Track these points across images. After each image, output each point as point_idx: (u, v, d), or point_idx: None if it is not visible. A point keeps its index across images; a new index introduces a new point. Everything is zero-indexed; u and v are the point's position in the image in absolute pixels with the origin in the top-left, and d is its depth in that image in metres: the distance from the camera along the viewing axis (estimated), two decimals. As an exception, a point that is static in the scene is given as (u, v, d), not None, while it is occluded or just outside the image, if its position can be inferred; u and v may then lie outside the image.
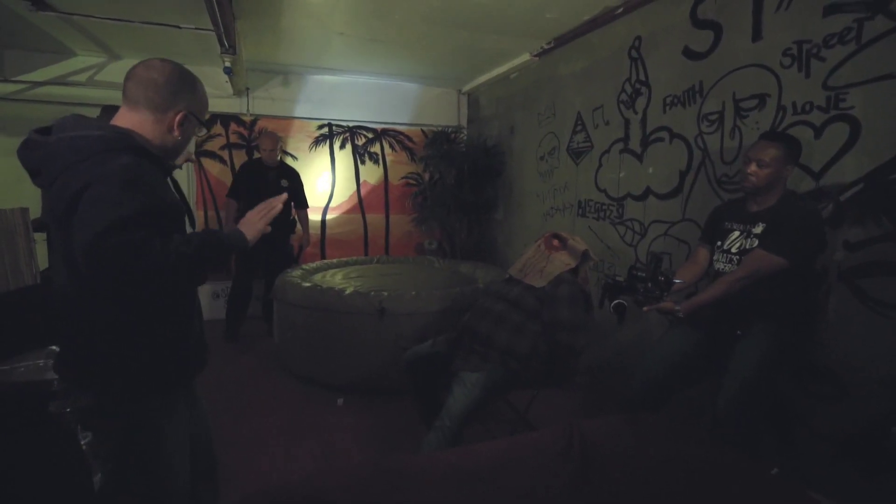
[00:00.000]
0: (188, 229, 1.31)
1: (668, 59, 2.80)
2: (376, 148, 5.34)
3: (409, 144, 5.43)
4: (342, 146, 5.21)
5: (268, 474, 2.32)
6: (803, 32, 2.06)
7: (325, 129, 5.13)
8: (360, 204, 5.35)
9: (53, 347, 1.90)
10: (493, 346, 2.17)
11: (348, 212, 5.31)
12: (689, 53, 2.66)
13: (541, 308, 2.24)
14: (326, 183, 5.19)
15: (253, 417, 2.86)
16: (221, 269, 1.30)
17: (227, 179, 4.60)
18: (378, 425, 2.80)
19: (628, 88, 3.12)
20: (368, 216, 5.40)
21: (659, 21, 2.85)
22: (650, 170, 2.99)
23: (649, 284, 1.96)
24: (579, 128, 3.65)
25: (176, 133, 1.28)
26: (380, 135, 5.34)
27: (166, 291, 1.23)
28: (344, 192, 5.27)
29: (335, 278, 3.84)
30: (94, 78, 4.26)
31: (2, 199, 3.27)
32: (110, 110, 3.05)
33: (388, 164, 5.39)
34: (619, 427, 1.69)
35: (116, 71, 4.28)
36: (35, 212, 2.57)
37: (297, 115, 5.00)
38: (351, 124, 5.21)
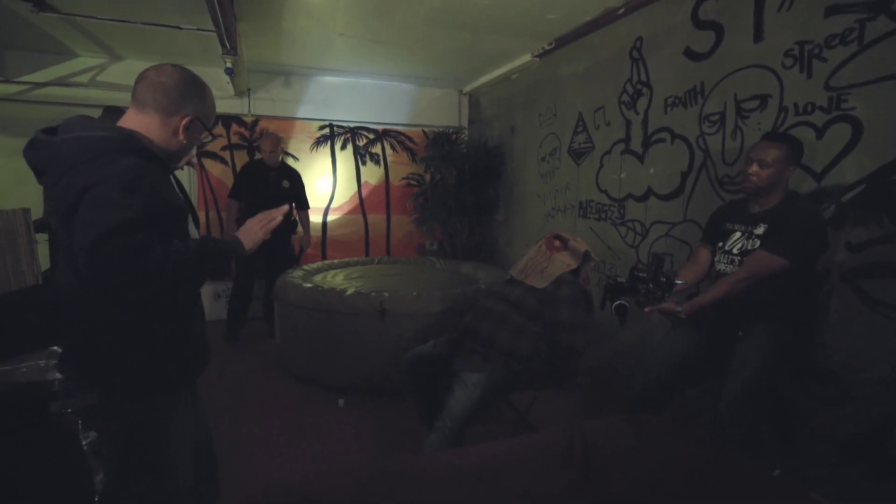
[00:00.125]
0: (192, 229, 1.32)
1: (669, 59, 2.80)
2: (377, 149, 5.35)
3: (410, 145, 5.43)
4: (343, 147, 5.22)
5: (268, 475, 2.32)
6: (805, 33, 2.06)
7: (327, 130, 5.14)
8: (362, 205, 5.36)
9: (55, 348, 1.90)
10: (495, 346, 2.17)
11: (349, 213, 5.32)
12: (690, 54, 2.66)
13: (542, 309, 2.24)
14: (327, 184, 5.20)
15: (254, 418, 2.86)
16: (220, 274, 1.31)
17: (229, 180, 4.61)
18: (379, 426, 2.79)
19: (629, 89, 3.12)
20: (369, 217, 5.40)
21: (660, 22, 2.85)
22: (651, 170, 2.99)
23: (651, 285, 1.96)
24: (580, 128, 3.65)
25: (181, 137, 1.29)
26: (381, 135, 5.34)
27: (164, 294, 1.23)
28: (345, 192, 5.28)
29: (336, 279, 3.84)
30: (96, 79, 4.27)
31: (4, 200, 3.29)
32: (112, 111, 3.09)
33: (389, 164, 5.39)
34: (621, 428, 1.68)
35: (118, 72, 4.29)
36: (37, 212, 2.58)
37: (298, 115, 5.01)
38: (352, 125, 5.21)
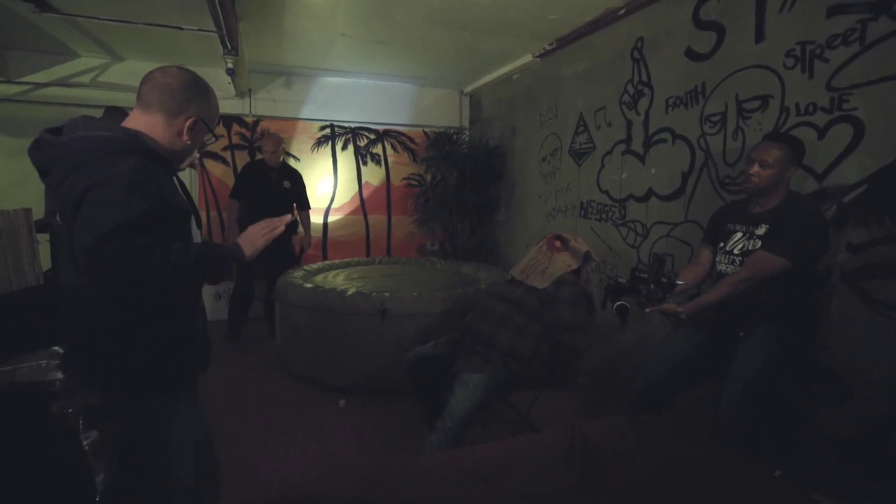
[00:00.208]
0: (194, 230, 1.32)
1: (670, 60, 2.80)
2: (378, 149, 5.35)
3: (411, 145, 5.43)
4: (344, 147, 5.22)
5: (269, 475, 2.32)
6: (806, 33, 2.06)
7: (328, 131, 5.14)
8: (362, 205, 5.36)
9: (56, 348, 1.90)
10: (495, 347, 2.17)
11: (350, 213, 5.32)
12: (691, 54, 2.66)
13: (542, 309, 2.24)
14: (328, 184, 5.20)
15: (254, 418, 2.86)
16: (219, 279, 1.31)
17: (230, 180, 4.61)
18: (380, 426, 2.79)
19: (630, 89, 3.12)
20: (370, 217, 5.40)
21: (661, 22, 2.85)
22: (652, 171, 2.98)
23: (652, 286, 1.95)
24: (581, 129, 3.64)
25: (185, 138, 1.30)
26: (382, 136, 5.34)
27: (164, 295, 1.24)
28: (346, 193, 5.28)
29: (337, 279, 3.84)
30: (98, 79, 4.28)
31: (5, 200, 3.29)
32: (113, 112, 3.09)
33: (389, 165, 5.40)
34: (621, 428, 1.68)
35: (119, 72, 4.30)
36: (38, 212, 2.58)
37: (299, 116, 5.01)
38: (353, 125, 5.21)
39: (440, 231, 5.40)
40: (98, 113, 3.06)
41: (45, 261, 2.60)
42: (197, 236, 1.34)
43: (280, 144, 4.09)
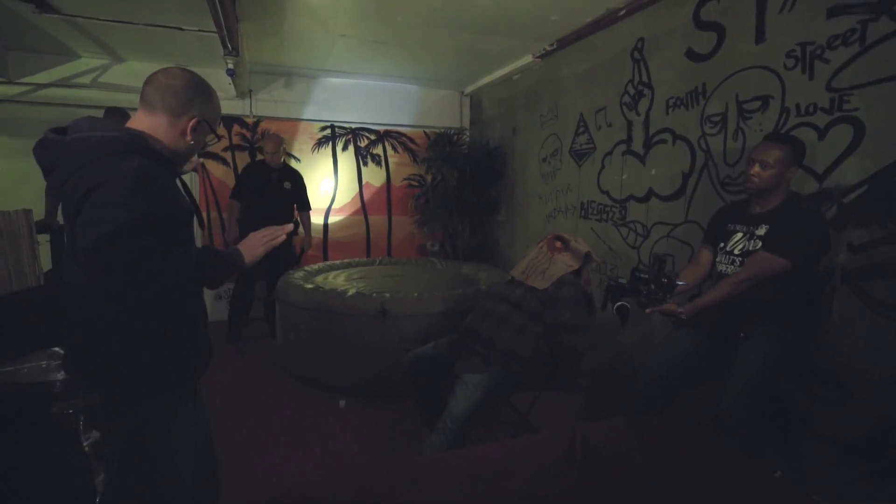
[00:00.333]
0: (196, 230, 1.33)
1: (670, 60, 2.80)
2: (379, 150, 5.35)
3: (412, 146, 5.43)
4: (345, 148, 5.22)
5: (269, 476, 2.32)
6: (807, 34, 2.06)
7: (328, 131, 5.14)
8: (363, 205, 5.36)
9: (56, 349, 1.91)
10: (496, 347, 2.17)
11: (351, 214, 5.32)
12: (692, 55, 2.66)
13: (543, 310, 2.24)
14: (329, 185, 5.20)
15: (254, 419, 2.86)
16: (219, 284, 1.32)
17: (230, 181, 4.61)
18: (380, 427, 2.79)
19: (631, 90, 3.12)
20: (371, 218, 5.40)
21: (662, 23, 2.85)
22: (653, 171, 2.98)
23: (652, 286, 1.95)
24: (582, 129, 3.65)
25: (188, 138, 1.31)
26: (382, 136, 5.34)
27: (164, 297, 1.24)
28: (346, 193, 5.28)
29: (337, 280, 3.84)
30: (98, 80, 4.28)
31: (5, 200, 3.29)
32: (114, 112, 3.09)
33: (390, 165, 5.40)
34: (622, 429, 1.68)
35: (120, 73, 4.31)
36: (38, 213, 2.58)
37: (300, 116, 5.01)
38: (353, 126, 5.22)
39: (440, 232, 5.40)
40: (99, 114, 3.06)
41: (46, 261, 2.61)
42: (198, 236, 1.35)
43: (281, 145, 4.10)
